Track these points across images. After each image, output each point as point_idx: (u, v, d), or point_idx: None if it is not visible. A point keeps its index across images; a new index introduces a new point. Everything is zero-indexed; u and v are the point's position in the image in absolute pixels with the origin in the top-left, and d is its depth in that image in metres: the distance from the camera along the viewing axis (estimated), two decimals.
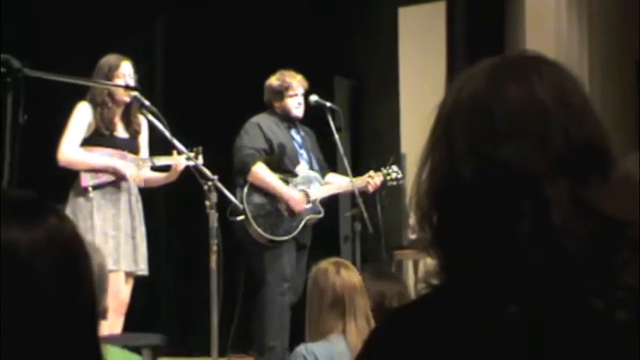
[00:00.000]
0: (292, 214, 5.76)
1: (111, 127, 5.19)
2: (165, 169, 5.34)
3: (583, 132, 1.17)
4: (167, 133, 4.81)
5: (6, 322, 1.14)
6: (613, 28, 6.91)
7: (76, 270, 1.21)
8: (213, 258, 4.58)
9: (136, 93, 4.95)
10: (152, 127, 5.09)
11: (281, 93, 5.86)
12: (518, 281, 1.14)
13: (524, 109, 1.17)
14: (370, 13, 7.91)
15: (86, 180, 5.10)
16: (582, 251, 1.13)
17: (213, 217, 4.60)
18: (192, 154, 5.03)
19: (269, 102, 5.93)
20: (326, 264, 3.75)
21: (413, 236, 6.68)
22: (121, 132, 5.26)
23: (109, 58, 5.21)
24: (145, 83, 5.47)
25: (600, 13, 6.92)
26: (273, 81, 5.89)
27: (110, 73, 5.13)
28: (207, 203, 4.60)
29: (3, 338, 1.14)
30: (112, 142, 5.20)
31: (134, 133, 5.29)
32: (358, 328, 3.57)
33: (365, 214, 5.65)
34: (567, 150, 1.16)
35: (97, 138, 5.17)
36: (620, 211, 1.16)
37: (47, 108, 5.11)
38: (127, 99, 5.17)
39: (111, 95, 5.17)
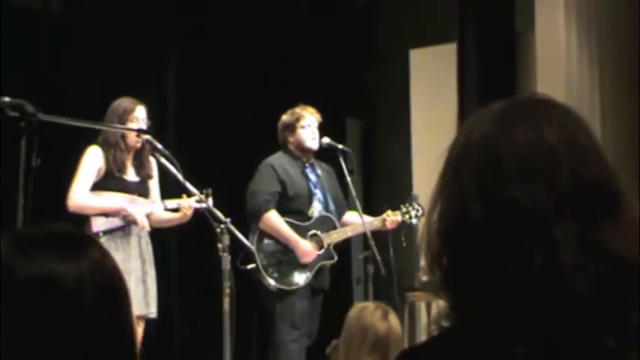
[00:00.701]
0: (302, 265, 5.74)
1: (122, 169, 5.21)
2: (177, 211, 5.35)
3: (592, 173, 1.18)
4: (180, 176, 4.83)
5: (52, 352, 1.16)
6: (624, 68, 6.93)
7: (117, 302, 1.24)
8: (226, 301, 4.57)
9: (148, 136, 4.99)
10: (163, 170, 5.12)
11: (292, 125, 5.84)
12: (526, 321, 1.14)
13: (533, 151, 1.19)
14: (382, 55, 7.95)
15: (97, 225, 5.11)
16: (592, 291, 1.13)
17: (226, 259, 4.60)
18: (202, 196, 5.05)
19: (283, 140, 5.90)
20: (372, 305, 3.68)
21: (425, 278, 6.65)
22: (131, 175, 5.28)
23: (123, 102, 5.24)
24: (156, 126, 5.50)
25: (611, 53, 6.94)
26: (285, 117, 5.90)
27: (124, 117, 5.16)
28: (220, 246, 4.61)
29: None
30: (122, 186, 5.22)
31: (145, 177, 5.31)
32: None
33: (377, 256, 5.63)
34: (576, 190, 1.16)
35: (107, 181, 5.19)
36: (631, 252, 1.16)
37: (58, 152, 5.13)
38: (139, 144, 5.21)
39: (123, 138, 5.20)
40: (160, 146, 4.90)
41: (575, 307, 1.13)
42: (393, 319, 3.64)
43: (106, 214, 5.13)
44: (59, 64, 6.31)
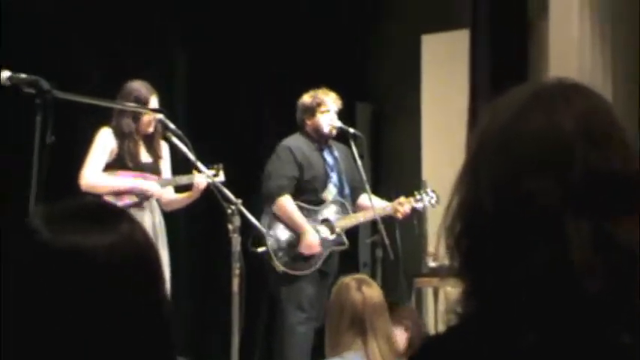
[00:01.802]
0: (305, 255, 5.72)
1: (136, 157, 5.25)
2: (187, 188, 5.37)
3: (608, 164, 1.15)
4: (191, 156, 4.84)
5: (85, 326, 1.17)
6: (638, 56, 6.90)
7: (150, 274, 1.24)
8: (235, 282, 4.58)
9: (161, 116, 5.00)
10: (174, 152, 5.14)
11: (313, 109, 5.80)
12: (538, 317, 1.13)
13: (546, 141, 1.16)
14: (393, 40, 7.94)
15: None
16: (602, 287, 1.11)
17: (236, 240, 4.61)
18: (212, 172, 5.08)
19: (301, 121, 5.87)
20: (349, 279, 3.70)
21: (433, 264, 6.66)
22: (143, 157, 5.31)
23: (136, 88, 5.24)
24: (167, 106, 5.51)
25: (625, 41, 6.91)
26: (306, 98, 5.84)
27: (138, 104, 5.18)
28: (230, 227, 4.61)
29: (83, 340, 1.16)
30: (136, 165, 5.25)
31: (156, 157, 5.34)
32: (380, 348, 3.51)
33: (386, 241, 5.64)
34: (591, 185, 1.14)
35: (120, 163, 5.23)
36: None
37: (71, 130, 5.15)
38: (150, 129, 5.22)
39: (137, 128, 5.23)
40: (172, 126, 4.91)
41: (585, 304, 1.12)
42: (368, 289, 3.63)
43: (119, 193, 5.16)
44: (72, 43, 6.32)
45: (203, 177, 5.14)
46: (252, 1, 7.22)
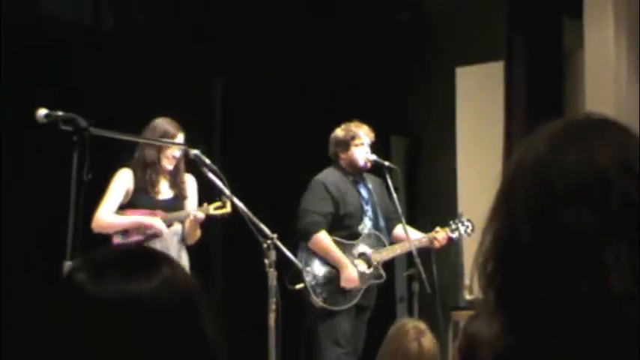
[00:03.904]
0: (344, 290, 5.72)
1: (155, 188, 5.30)
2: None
3: None
4: (227, 191, 4.85)
5: None
6: None
7: (195, 314, 1.25)
8: (272, 317, 4.57)
9: (197, 151, 5.02)
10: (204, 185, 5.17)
11: (347, 143, 5.79)
12: (580, 347, 1.12)
13: (583, 173, 1.17)
14: (428, 73, 7.95)
15: (118, 240, 5.22)
16: None
17: (272, 275, 4.59)
18: (219, 204, 5.12)
19: (334, 154, 5.86)
20: (409, 326, 3.67)
21: (469, 297, 6.62)
22: (164, 193, 5.36)
23: (166, 125, 5.28)
24: (201, 141, 5.55)
25: None
26: (339, 132, 5.83)
27: (164, 139, 5.24)
28: (266, 261, 4.61)
29: None
30: (152, 204, 5.30)
31: (178, 193, 5.38)
32: None
33: (423, 274, 5.61)
34: (628, 214, 1.14)
35: (137, 200, 5.28)
36: None
37: (106, 167, 5.21)
38: (171, 166, 5.29)
39: (159, 159, 5.28)
40: (207, 161, 4.93)
41: (627, 334, 1.11)
42: (426, 340, 3.63)
43: (124, 232, 5.22)
44: (107, 79, 6.39)
45: (201, 211, 5.18)
46: (287, 33, 7.26)
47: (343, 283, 5.67)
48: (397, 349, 3.58)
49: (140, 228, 5.25)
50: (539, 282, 1.15)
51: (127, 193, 5.30)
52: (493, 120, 7.25)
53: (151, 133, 5.24)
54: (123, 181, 5.29)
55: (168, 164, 5.33)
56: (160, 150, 5.29)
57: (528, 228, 1.17)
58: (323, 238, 5.67)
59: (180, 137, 5.30)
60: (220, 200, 5.16)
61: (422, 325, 3.85)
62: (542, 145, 1.22)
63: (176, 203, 5.37)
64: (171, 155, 5.31)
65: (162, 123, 5.30)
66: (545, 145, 1.21)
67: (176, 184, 5.37)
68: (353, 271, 5.69)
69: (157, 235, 5.25)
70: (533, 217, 1.17)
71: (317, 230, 5.67)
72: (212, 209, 5.18)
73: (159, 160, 5.31)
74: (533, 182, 1.19)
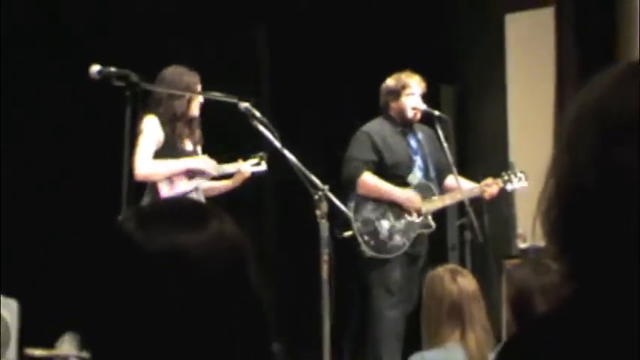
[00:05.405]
0: (410, 214, 5.69)
1: (183, 140, 5.30)
2: (229, 177, 5.41)
3: None
4: (277, 144, 4.85)
5: (183, 324, 1.19)
6: None
7: (243, 268, 1.26)
8: (325, 268, 4.59)
9: (247, 104, 5.01)
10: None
11: (397, 92, 5.78)
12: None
13: None
14: (477, 20, 7.85)
15: (164, 191, 5.21)
16: None
17: (324, 226, 4.60)
18: (255, 160, 5.11)
19: (385, 104, 5.85)
20: (442, 271, 3.69)
21: (523, 245, 6.59)
22: (188, 145, 5.37)
23: (186, 75, 5.23)
24: (250, 93, 5.54)
25: None
26: (390, 82, 5.82)
27: (190, 88, 5.21)
28: (318, 213, 4.61)
29: (182, 337, 1.18)
30: (182, 155, 5.30)
31: (195, 144, 5.39)
32: (477, 337, 3.51)
33: (475, 223, 5.59)
34: None
35: (167, 151, 5.27)
36: None
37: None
38: (197, 113, 5.27)
39: (187, 111, 5.28)
40: (258, 114, 4.93)
41: None
42: (462, 279, 3.64)
43: (172, 180, 5.21)
44: (148, 32, 6.40)
45: (247, 165, 5.17)
46: None
47: (406, 204, 5.67)
48: (440, 296, 3.59)
49: (190, 172, 5.25)
50: (603, 228, 1.14)
51: (158, 141, 5.27)
52: (544, 67, 7.16)
53: (175, 84, 5.16)
54: (153, 129, 5.24)
55: (195, 111, 5.29)
56: (190, 100, 5.28)
57: (590, 173, 1.15)
58: (368, 179, 5.68)
59: (199, 85, 5.28)
60: (256, 156, 5.16)
61: (454, 266, 3.88)
62: (604, 87, 1.20)
63: (196, 154, 5.39)
64: (200, 104, 5.29)
65: (182, 73, 5.24)
66: (607, 87, 1.20)
67: (193, 133, 5.36)
68: (408, 192, 5.68)
69: (205, 177, 5.26)
70: (594, 161, 1.15)
71: (359, 174, 5.67)
72: (250, 166, 5.18)
73: (186, 112, 5.30)
74: (596, 125, 1.17)
